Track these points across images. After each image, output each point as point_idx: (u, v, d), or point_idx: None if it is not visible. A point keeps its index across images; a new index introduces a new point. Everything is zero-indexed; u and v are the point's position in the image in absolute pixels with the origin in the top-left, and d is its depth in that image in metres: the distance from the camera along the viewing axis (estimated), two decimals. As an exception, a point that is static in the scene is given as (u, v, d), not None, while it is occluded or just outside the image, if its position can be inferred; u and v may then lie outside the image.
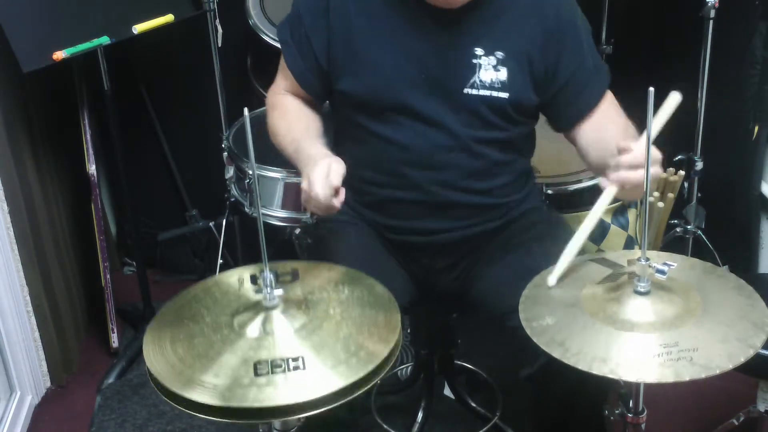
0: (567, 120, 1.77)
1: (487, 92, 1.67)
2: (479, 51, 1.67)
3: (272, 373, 1.23)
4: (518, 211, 1.83)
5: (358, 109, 1.74)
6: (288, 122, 1.78)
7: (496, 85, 1.67)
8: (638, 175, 1.46)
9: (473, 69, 1.67)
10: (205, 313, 1.39)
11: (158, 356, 1.29)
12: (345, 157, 1.82)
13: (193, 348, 1.30)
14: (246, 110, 1.29)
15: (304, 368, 1.24)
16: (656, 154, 1.47)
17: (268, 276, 1.33)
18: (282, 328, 1.32)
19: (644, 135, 1.49)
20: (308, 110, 1.82)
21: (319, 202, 1.53)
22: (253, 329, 1.32)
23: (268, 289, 1.33)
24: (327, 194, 1.52)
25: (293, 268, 1.49)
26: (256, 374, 1.23)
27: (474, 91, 1.67)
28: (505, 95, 1.68)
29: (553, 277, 1.45)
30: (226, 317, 1.37)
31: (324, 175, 1.53)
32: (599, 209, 1.52)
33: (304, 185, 1.56)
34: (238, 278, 1.48)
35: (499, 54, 1.67)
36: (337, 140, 1.87)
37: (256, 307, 1.36)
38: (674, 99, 1.51)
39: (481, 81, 1.67)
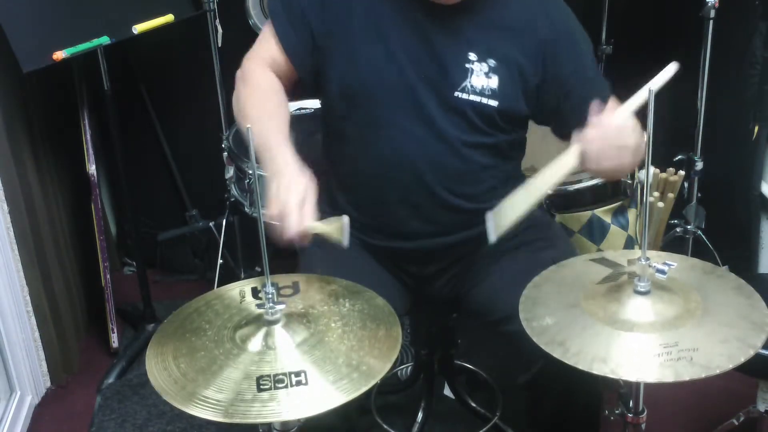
0: (571, 128, 1.75)
1: (476, 98, 1.67)
2: (473, 56, 1.66)
3: (275, 388, 1.23)
4: None
5: (346, 104, 1.72)
6: (259, 109, 1.68)
7: (486, 92, 1.67)
8: (602, 141, 1.48)
9: (465, 73, 1.67)
10: (207, 327, 1.39)
11: (161, 371, 1.30)
12: (333, 157, 1.81)
13: (195, 362, 1.31)
14: (249, 125, 1.28)
15: (306, 383, 1.24)
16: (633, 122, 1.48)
17: (271, 291, 1.33)
18: (284, 343, 1.32)
19: (625, 106, 1.50)
20: (281, 98, 1.73)
21: (288, 231, 1.45)
22: (255, 343, 1.33)
23: (270, 304, 1.33)
24: (299, 231, 1.45)
25: (294, 281, 1.49)
26: (259, 389, 1.23)
27: (464, 96, 1.67)
28: (494, 103, 1.67)
29: (493, 234, 1.46)
30: (227, 331, 1.37)
31: (299, 204, 1.46)
32: (560, 168, 1.52)
33: (274, 208, 1.47)
34: (239, 292, 1.48)
35: (492, 62, 1.67)
36: (325, 139, 1.86)
37: (258, 321, 1.36)
38: (671, 69, 1.52)
39: (472, 86, 1.67)
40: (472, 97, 1.67)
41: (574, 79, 1.72)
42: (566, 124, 1.75)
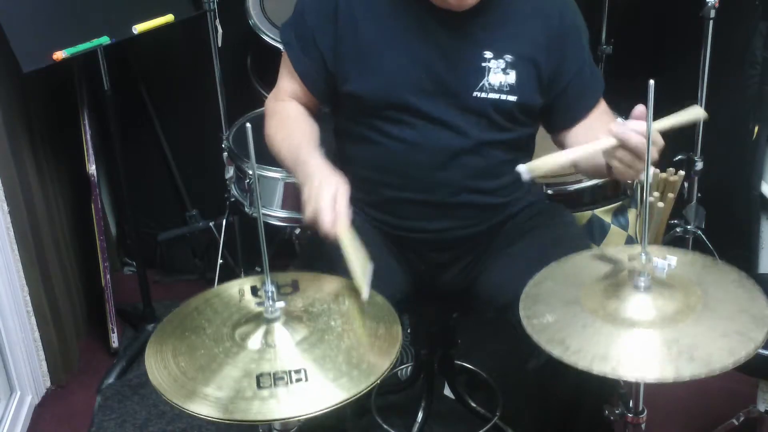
0: (562, 123, 1.78)
1: (495, 95, 1.68)
2: (488, 54, 1.68)
3: (275, 385, 1.23)
4: (519, 206, 1.84)
5: (364, 110, 1.73)
6: (286, 131, 1.76)
7: (504, 88, 1.68)
8: (640, 140, 1.41)
9: (482, 72, 1.68)
10: (207, 325, 1.39)
11: (161, 369, 1.30)
12: (348, 157, 1.81)
13: (195, 360, 1.31)
14: (248, 124, 1.29)
15: (306, 381, 1.24)
16: (658, 138, 1.45)
17: (270, 289, 1.33)
18: (283, 341, 1.32)
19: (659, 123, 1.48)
20: (307, 119, 1.80)
21: (324, 228, 1.50)
22: (255, 341, 1.33)
23: (270, 302, 1.33)
24: (334, 222, 1.50)
25: (293, 279, 1.49)
26: (259, 387, 1.23)
27: (483, 95, 1.68)
28: (513, 98, 1.69)
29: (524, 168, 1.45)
30: (227, 329, 1.37)
31: (332, 200, 1.50)
32: (591, 147, 1.49)
33: (309, 210, 1.52)
34: (238, 290, 1.48)
35: (508, 57, 1.68)
36: (339, 141, 1.87)
37: (258, 319, 1.36)
38: (695, 112, 1.50)
39: (490, 84, 1.68)
40: (491, 95, 1.68)
41: (574, 77, 1.74)
42: (557, 117, 1.78)
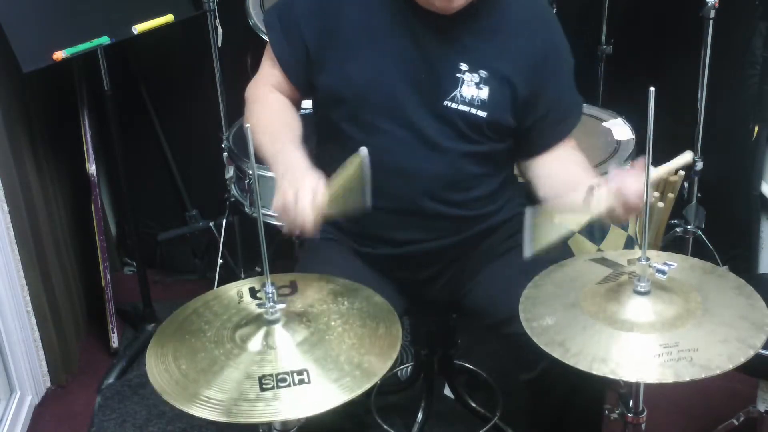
0: (530, 149, 1.75)
1: (465, 108, 1.65)
2: (464, 66, 1.65)
3: (278, 387, 1.23)
4: (497, 220, 1.80)
5: (337, 109, 1.71)
6: (268, 120, 1.72)
7: (475, 103, 1.65)
8: (637, 200, 1.42)
9: (455, 83, 1.65)
10: (207, 328, 1.39)
11: (162, 372, 1.30)
12: (325, 159, 1.80)
13: (196, 363, 1.31)
14: (248, 124, 1.29)
15: (309, 382, 1.24)
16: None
17: (271, 290, 1.33)
18: (284, 342, 1.32)
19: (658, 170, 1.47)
20: (290, 110, 1.76)
21: (303, 222, 1.46)
22: (256, 343, 1.33)
23: (271, 303, 1.33)
24: (312, 217, 1.45)
25: (292, 281, 1.49)
26: (262, 388, 1.23)
27: (453, 105, 1.65)
28: (483, 114, 1.66)
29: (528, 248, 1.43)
30: (227, 331, 1.37)
31: (311, 194, 1.46)
32: (587, 206, 1.48)
33: (289, 197, 1.47)
34: (237, 292, 1.48)
35: (483, 73, 1.65)
36: (319, 143, 1.85)
37: (258, 321, 1.36)
38: (684, 158, 1.50)
39: (461, 96, 1.65)
40: (462, 107, 1.65)
41: (552, 104, 1.71)
42: (528, 143, 1.75)
